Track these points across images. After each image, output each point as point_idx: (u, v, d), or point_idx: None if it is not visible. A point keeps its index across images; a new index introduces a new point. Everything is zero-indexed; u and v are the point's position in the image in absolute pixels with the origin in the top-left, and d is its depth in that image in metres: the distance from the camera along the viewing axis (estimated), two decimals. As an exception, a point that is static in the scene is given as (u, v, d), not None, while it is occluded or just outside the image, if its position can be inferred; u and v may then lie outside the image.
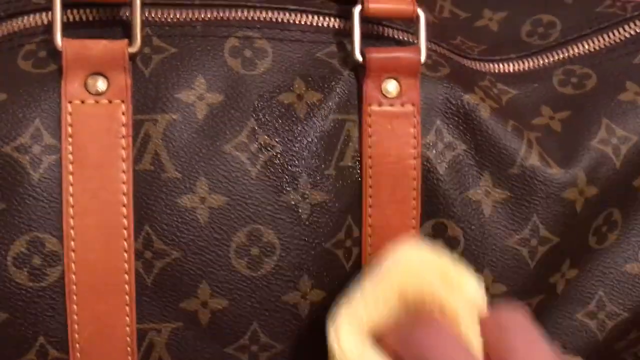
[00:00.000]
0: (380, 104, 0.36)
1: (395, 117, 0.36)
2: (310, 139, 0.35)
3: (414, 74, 0.36)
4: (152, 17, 0.35)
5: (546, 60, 0.40)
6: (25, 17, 0.34)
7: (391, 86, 0.36)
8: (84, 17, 0.34)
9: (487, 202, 0.37)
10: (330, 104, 0.36)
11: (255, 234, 0.35)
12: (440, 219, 0.37)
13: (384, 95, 0.36)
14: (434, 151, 0.37)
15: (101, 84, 0.34)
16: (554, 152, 0.37)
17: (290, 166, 0.35)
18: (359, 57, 0.36)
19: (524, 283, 0.38)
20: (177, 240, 0.34)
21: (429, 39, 0.38)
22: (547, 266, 0.38)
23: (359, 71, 0.36)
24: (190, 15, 0.35)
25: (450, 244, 0.37)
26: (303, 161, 0.35)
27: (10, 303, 0.33)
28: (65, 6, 0.34)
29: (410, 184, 0.36)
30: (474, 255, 0.37)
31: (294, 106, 0.35)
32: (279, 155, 0.35)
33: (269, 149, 0.35)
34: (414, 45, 0.37)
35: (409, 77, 0.36)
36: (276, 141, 0.35)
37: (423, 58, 0.36)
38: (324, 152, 0.35)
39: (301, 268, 0.35)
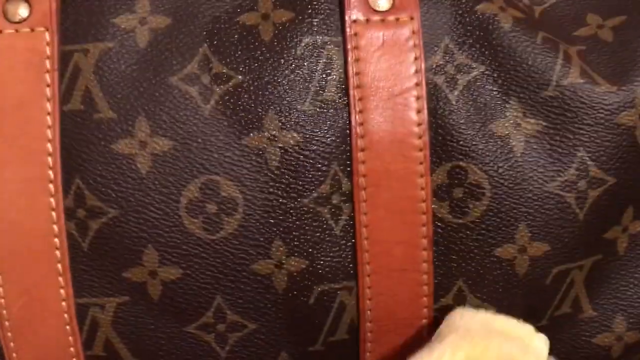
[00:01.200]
0: (368, 20, 0.29)
1: (389, 36, 0.28)
2: (278, 68, 0.28)
3: (411, -21, 0.28)
4: None
5: (596, -42, 0.32)
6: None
7: (382, -4, 0.29)
8: None
9: (517, 137, 0.29)
10: (304, 23, 0.29)
11: (211, 187, 0.28)
12: (457, 161, 0.29)
13: (372, 9, 0.29)
14: (443, 76, 0.29)
15: (23, 10, 0.29)
16: (603, 67, 0.30)
17: (254, 102, 0.28)
18: (339, -40, 0.29)
19: (572, 240, 0.30)
20: (114, 195, 0.28)
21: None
22: (603, 217, 0.31)
23: (342, -20, 0.29)
24: None
25: (473, 194, 0.29)
26: (270, 95, 0.28)
27: None
28: None
29: (413, 118, 0.29)
30: (504, 206, 0.29)
31: (257, 28, 0.29)
32: (238, 88, 0.28)
33: (225, 80, 0.28)
34: (414, -56, 0.29)
35: (405, -17, 0.28)
36: (235, 71, 0.28)
37: (423, -42, 0.29)
38: (297, 83, 0.29)
39: (272, 230, 0.29)
